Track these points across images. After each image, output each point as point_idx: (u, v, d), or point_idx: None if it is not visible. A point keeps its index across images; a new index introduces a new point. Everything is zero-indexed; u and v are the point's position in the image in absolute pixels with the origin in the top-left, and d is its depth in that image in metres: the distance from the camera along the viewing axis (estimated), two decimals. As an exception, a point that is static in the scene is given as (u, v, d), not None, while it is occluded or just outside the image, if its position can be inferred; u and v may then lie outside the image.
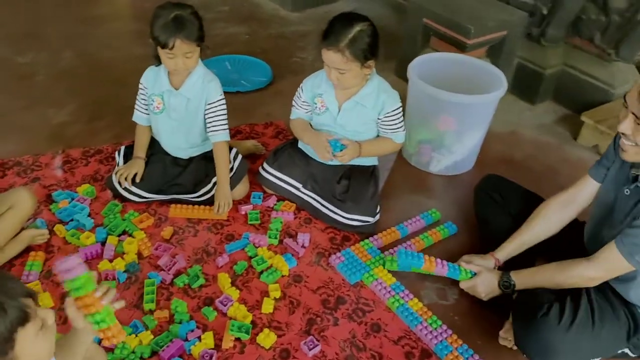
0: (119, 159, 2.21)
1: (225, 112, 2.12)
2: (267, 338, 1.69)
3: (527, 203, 1.89)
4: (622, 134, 1.46)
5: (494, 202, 1.97)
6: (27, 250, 1.92)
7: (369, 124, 2.09)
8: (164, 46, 1.90)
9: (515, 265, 1.81)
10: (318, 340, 1.71)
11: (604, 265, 1.54)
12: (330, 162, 2.09)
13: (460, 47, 2.86)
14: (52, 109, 2.77)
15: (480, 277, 1.77)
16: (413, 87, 2.39)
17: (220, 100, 2.10)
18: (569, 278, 1.60)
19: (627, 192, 1.54)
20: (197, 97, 2.07)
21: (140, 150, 2.18)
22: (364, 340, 1.74)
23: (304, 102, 2.15)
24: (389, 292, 1.87)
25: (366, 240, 2.07)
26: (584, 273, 1.57)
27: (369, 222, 2.11)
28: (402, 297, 1.86)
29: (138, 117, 2.18)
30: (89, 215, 2.09)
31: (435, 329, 1.77)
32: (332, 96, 2.06)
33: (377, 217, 2.16)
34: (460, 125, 2.38)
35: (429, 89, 2.27)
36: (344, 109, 2.06)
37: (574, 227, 1.81)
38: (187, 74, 2.04)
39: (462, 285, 1.81)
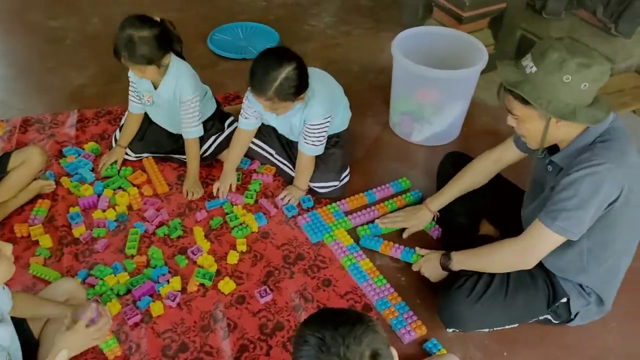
0: (117, 136, 2.43)
1: (196, 109, 2.20)
2: (226, 285, 1.93)
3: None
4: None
5: (451, 176, 2.09)
6: (37, 197, 2.23)
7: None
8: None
9: (462, 229, 1.98)
10: (272, 290, 1.94)
11: (530, 241, 1.58)
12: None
13: (457, 19, 2.91)
14: (75, 71, 3.05)
15: (425, 259, 1.91)
16: (395, 61, 2.49)
17: (192, 99, 2.17)
18: (503, 259, 1.65)
19: (549, 168, 1.63)
20: (173, 95, 2.21)
21: (124, 140, 2.37)
22: (313, 293, 1.95)
23: (254, 111, 2.19)
24: (345, 251, 2.06)
25: (333, 204, 2.25)
26: (515, 250, 1.60)
27: (334, 186, 2.28)
28: (355, 257, 2.04)
29: (133, 107, 2.33)
30: (92, 170, 2.37)
31: (380, 287, 1.95)
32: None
33: (344, 181, 2.32)
34: (440, 98, 2.48)
35: (408, 65, 2.37)
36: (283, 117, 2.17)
37: (515, 194, 1.91)
38: (162, 75, 2.16)
39: (413, 267, 1.96)
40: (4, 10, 3.60)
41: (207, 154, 2.40)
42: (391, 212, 2.25)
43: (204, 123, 2.34)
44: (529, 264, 1.62)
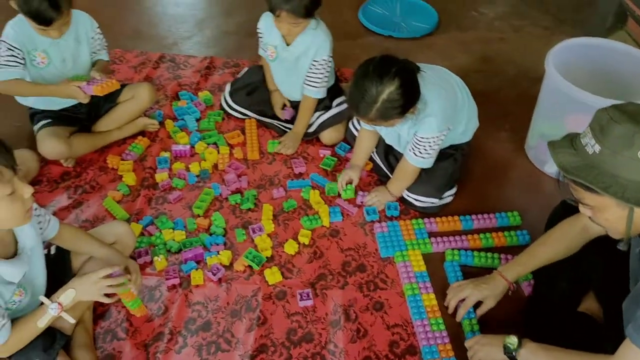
0: (227, 90, 2.38)
1: (327, 71, 2.14)
2: (273, 275, 1.79)
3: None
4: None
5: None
6: (139, 134, 2.28)
7: None
8: (271, 10, 1.95)
9: (561, 297, 1.60)
10: (316, 295, 1.76)
11: None
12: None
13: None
14: (225, 17, 3.08)
15: (484, 340, 1.52)
16: (547, 75, 2.06)
17: (328, 59, 2.12)
18: None
19: (637, 250, 1.23)
20: (305, 52, 2.11)
21: (272, 83, 2.31)
22: (359, 313, 1.73)
23: None
24: (411, 278, 1.80)
25: (419, 220, 1.97)
26: None
27: (432, 203, 1.99)
28: (420, 288, 1.77)
29: (262, 54, 2.27)
30: (197, 119, 2.36)
31: (435, 331, 1.66)
32: None
33: (445, 200, 2.02)
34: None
35: (562, 84, 1.94)
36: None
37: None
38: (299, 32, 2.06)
39: (465, 344, 1.57)
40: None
41: (309, 130, 2.25)
42: (485, 247, 1.91)
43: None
44: None
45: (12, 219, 1.26)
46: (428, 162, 1.88)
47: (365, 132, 2.04)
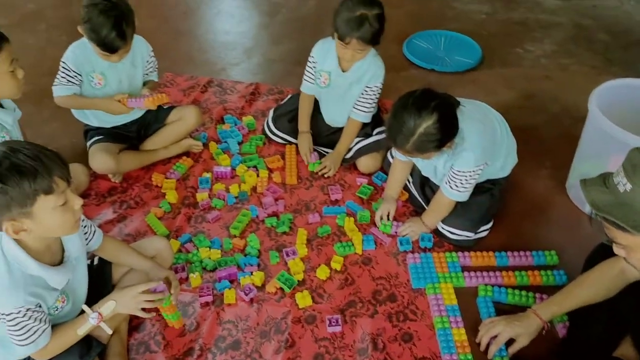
0: (270, 116, 2.45)
1: (377, 98, 2.21)
2: (303, 299, 1.81)
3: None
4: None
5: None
6: (184, 154, 2.37)
7: None
8: (340, 37, 2.01)
9: (596, 340, 1.55)
10: (345, 322, 1.77)
11: None
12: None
13: None
14: (272, 45, 3.18)
15: None
16: (590, 116, 2.04)
17: (380, 86, 2.17)
18: None
19: None
20: (358, 79, 2.16)
21: (305, 124, 2.35)
22: (388, 343, 1.72)
23: None
24: (441, 311, 1.78)
25: (453, 253, 1.96)
26: None
27: (467, 237, 1.98)
28: (451, 322, 1.75)
29: (307, 87, 2.30)
30: (240, 142, 2.44)
31: (463, 367, 1.64)
32: None
33: (480, 235, 2.01)
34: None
35: (605, 124, 1.92)
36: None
37: None
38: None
39: None
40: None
41: (347, 155, 2.30)
42: (519, 285, 1.88)
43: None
44: None
45: (61, 228, 1.34)
46: (464, 196, 1.88)
47: (400, 163, 2.06)
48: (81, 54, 2.06)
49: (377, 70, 2.15)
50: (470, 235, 1.99)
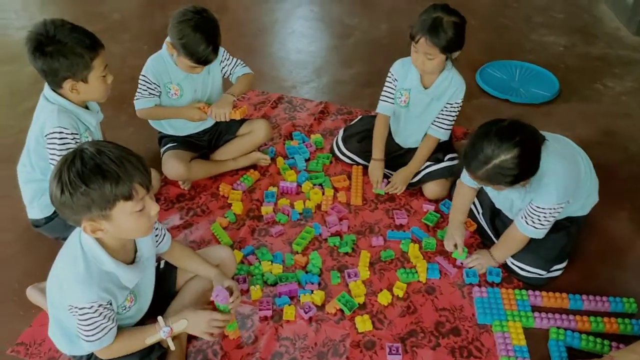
0: (340, 135, 2.43)
1: (456, 115, 2.18)
2: (363, 323, 1.77)
3: None
4: None
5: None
6: (251, 167, 2.39)
7: None
8: (411, 37, 2.00)
9: None
10: (406, 352, 1.71)
11: None
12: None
13: None
14: (342, 67, 3.20)
15: None
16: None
17: (461, 103, 2.16)
18: None
19: None
20: (440, 95, 2.13)
21: (380, 150, 2.28)
22: (449, 378, 1.65)
23: None
24: (509, 351, 1.69)
25: (523, 291, 1.87)
26: None
27: (539, 275, 1.89)
28: (518, 363, 1.66)
29: (385, 107, 2.25)
30: (307, 159, 2.44)
31: (530, 413, 1.54)
32: None
33: (553, 274, 1.91)
34: None
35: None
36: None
37: None
38: (437, 75, 2.10)
39: None
40: (316, 2, 3.97)
41: (414, 179, 2.25)
42: (594, 332, 1.77)
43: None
44: None
45: (136, 232, 1.36)
46: (540, 233, 1.80)
47: (467, 188, 1.99)
48: (159, 66, 2.13)
49: (460, 86, 2.12)
50: (542, 273, 1.89)
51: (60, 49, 1.65)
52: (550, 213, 1.73)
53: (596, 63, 3.28)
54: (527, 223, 1.78)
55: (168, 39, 2.05)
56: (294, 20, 3.73)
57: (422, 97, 2.15)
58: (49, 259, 1.44)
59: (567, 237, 1.91)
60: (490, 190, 1.92)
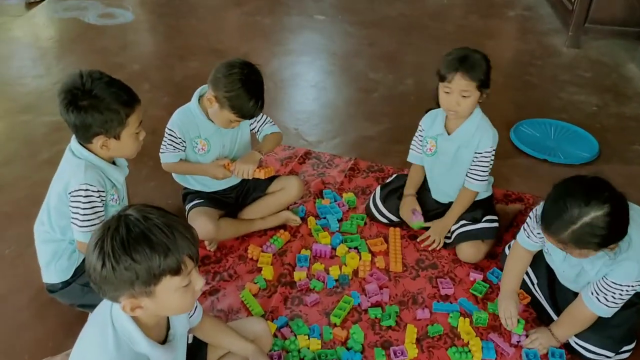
0: (378, 194, 2.29)
1: (489, 165, 2.05)
2: (415, 410, 1.56)
3: None
4: None
5: None
6: (281, 227, 2.23)
7: None
8: (442, 78, 1.90)
9: None
10: None
11: None
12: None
13: None
14: (369, 122, 3.09)
15: None
16: None
17: (491, 151, 2.03)
18: None
19: None
20: (467, 143, 2.01)
21: (412, 188, 2.22)
22: None
23: (539, 233, 1.72)
24: None
25: (589, 375, 1.67)
26: None
27: (606, 357, 1.69)
28: None
29: (414, 157, 2.21)
30: (339, 220, 2.28)
31: None
32: None
33: (623, 356, 1.72)
34: None
35: None
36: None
37: None
38: (463, 119, 1.99)
39: None
40: (337, 56, 3.91)
41: (450, 238, 2.09)
42: None
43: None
44: None
45: (179, 309, 1.19)
46: (611, 312, 1.62)
47: (522, 250, 1.81)
48: (187, 120, 2.00)
49: (486, 133, 1.99)
50: (610, 355, 1.70)
51: (96, 104, 1.52)
52: (626, 290, 1.56)
53: (631, 123, 3.18)
54: (599, 300, 1.59)
55: (207, 91, 1.93)
56: (315, 73, 3.66)
57: (448, 145, 2.04)
58: (62, 328, 1.29)
59: (636, 315, 1.72)
60: (552, 261, 1.75)
